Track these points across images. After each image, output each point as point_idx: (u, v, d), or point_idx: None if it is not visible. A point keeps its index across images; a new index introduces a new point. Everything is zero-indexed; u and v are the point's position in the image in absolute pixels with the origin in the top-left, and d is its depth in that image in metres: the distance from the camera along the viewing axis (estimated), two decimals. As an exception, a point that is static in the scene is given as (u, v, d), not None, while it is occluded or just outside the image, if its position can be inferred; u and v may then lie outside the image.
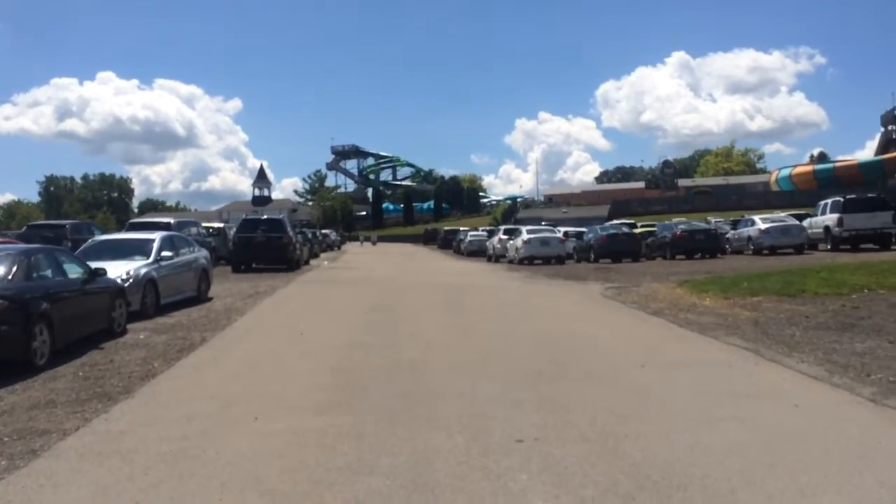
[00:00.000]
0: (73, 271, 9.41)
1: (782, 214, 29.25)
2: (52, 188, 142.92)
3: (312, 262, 32.52)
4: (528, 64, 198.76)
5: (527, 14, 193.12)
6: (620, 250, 27.49)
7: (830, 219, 25.01)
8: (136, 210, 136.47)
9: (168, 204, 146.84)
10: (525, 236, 27.97)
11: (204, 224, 27.56)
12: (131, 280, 11.77)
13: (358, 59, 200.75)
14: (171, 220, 22.87)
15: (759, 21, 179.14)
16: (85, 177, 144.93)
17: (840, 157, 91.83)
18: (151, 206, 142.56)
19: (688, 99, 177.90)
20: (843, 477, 4.01)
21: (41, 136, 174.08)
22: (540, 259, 27.68)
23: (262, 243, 23.00)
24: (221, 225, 28.80)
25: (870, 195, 26.78)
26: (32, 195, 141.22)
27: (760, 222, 26.62)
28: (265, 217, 25.07)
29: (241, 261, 23.15)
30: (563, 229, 32.54)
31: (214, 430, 5.30)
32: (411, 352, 8.44)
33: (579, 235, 31.31)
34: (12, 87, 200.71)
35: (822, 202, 26.51)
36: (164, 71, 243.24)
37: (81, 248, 13.38)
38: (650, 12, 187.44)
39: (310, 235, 39.91)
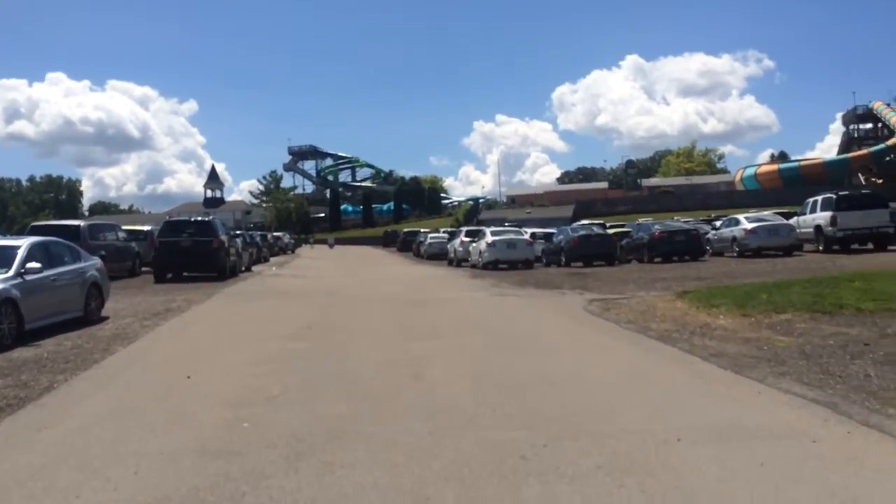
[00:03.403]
0: None
1: (768, 213, 27.20)
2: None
3: (257, 267, 29.59)
4: (485, 66, 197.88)
5: (483, 16, 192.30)
6: (594, 253, 25.14)
7: (822, 217, 22.94)
8: (86, 213, 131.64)
9: (122, 207, 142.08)
10: (489, 238, 25.38)
11: (127, 227, 24.48)
12: (-25, 301, 8.90)
13: (314, 60, 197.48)
14: (81, 223, 19.81)
15: (708, 25, 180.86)
16: (31, 178, 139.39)
17: (797, 157, 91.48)
18: (103, 208, 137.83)
19: (642, 102, 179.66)
20: None
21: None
22: (505, 263, 25.17)
23: (188, 248, 19.98)
24: (148, 228, 25.65)
25: (864, 192, 24.88)
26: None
27: (746, 222, 24.48)
28: (192, 219, 22.07)
29: (164, 269, 20.11)
30: (529, 230, 30.05)
31: None
32: (332, 409, 5.78)
33: (548, 237, 28.91)
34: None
35: (811, 199, 24.44)
36: (116, 72, 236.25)
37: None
38: (604, 15, 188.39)
39: (257, 238, 36.98)
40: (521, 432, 4.99)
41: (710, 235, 26.89)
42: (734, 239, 24.63)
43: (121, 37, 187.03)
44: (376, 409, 5.79)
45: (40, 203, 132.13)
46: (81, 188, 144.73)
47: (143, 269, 22.84)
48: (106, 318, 12.04)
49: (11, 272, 9.87)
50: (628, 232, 28.85)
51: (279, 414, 5.70)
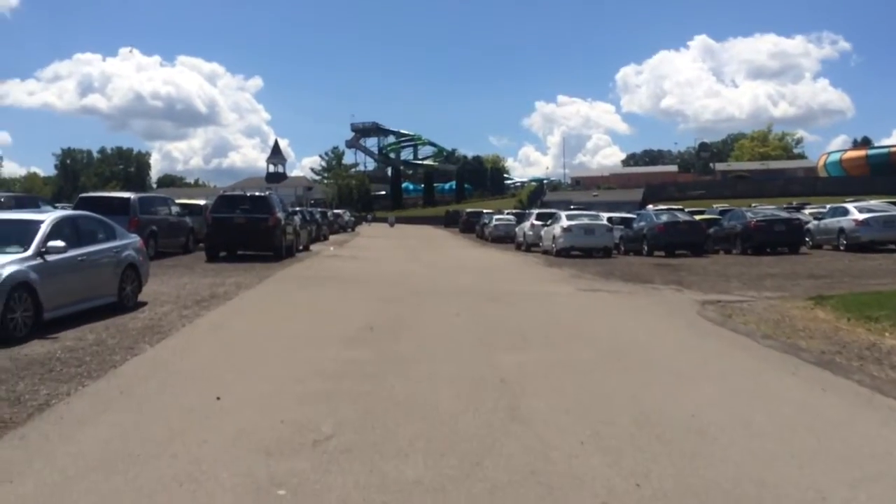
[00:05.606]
0: None
1: (875, 202, 24.41)
2: (68, 161, 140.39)
3: (315, 246, 28.24)
4: (547, 45, 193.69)
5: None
6: (679, 241, 22.87)
7: (949, 208, 20.20)
8: (154, 185, 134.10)
9: (188, 180, 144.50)
10: (565, 223, 23.29)
11: (181, 200, 23.33)
12: (-18, 285, 7.51)
13: (379, 38, 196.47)
14: (131, 196, 18.58)
15: (781, 5, 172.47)
16: (102, 150, 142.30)
17: (881, 144, 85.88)
18: (170, 181, 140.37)
19: (709, 84, 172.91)
20: None
21: (64, 112, 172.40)
22: (580, 251, 23.11)
23: (242, 226, 18.55)
24: (203, 202, 24.44)
25: None
26: (52, 169, 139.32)
27: (856, 211, 21.81)
28: (248, 194, 20.68)
29: (217, 247, 18.77)
30: (605, 215, 27.84)
31: None
32: (403, 468, 4.10)
33: (625, 222, 26.66)
34: (35, 62, 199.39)
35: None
36: (185, 48, 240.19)
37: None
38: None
39: (317, 216, 35.70)
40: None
41: (810, 226, 24.26)
42: (841, 230, 22.02)
43: (191, 13, 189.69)
44: (467, 472, 4.05)
45: (110, 175, 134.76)
46: (150, 161, 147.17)
47: (200, 244, 21.68)
48: (143, 303, 10.64)
49: (30, 251, 8.47)
50: (716, 219, 26.41)
51: (330, 473, 4.02)
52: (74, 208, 16.48)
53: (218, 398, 5.54)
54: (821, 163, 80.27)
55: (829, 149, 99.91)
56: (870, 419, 5.03)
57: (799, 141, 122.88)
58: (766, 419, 5.05)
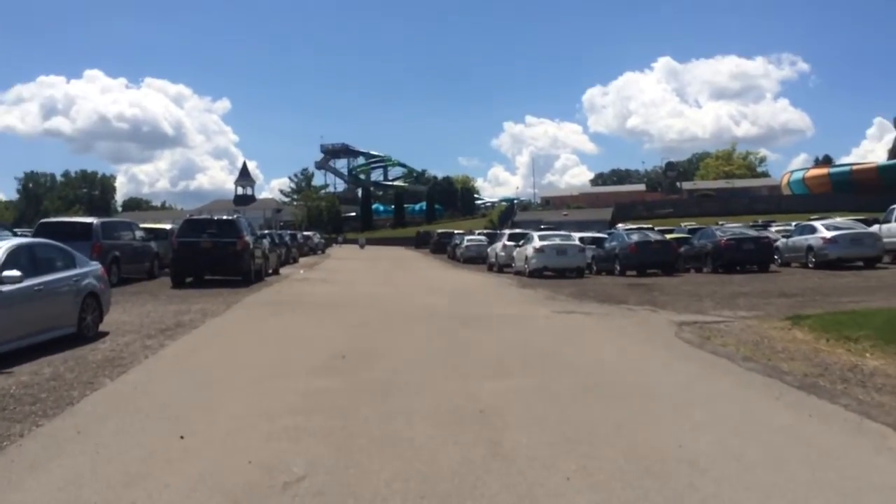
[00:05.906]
0: None
1: (841, 219, 24.74)
2: (30, 185, 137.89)
3: (285, 269, 27.79)
4: (515, 67, 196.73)
5: (514, 17, 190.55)
6: (652, 261, 22.90)
7: (914, 225, 20.48)
8: (119, 209, 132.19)
9: (154, 203, 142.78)
10: (537, 243, 23.20)
11: (146, 224, 22.81)
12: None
13: (348, 60, 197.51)
14: (94, 221, 18.06)
15: (741, 27, 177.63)
16: (66, 174, 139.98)
17: (840, 163, 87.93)
18: (136, 204, 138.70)
19: (673, 104, 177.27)
20: None
21: (27, 135, 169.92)
22: (553, 271, 23.04)
23: (209, 250, 18.12)
24: (169, 226, 23.90)
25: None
26: (14, 193, 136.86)
27: (824, 229, 22.04)
28: (215, 218, 20.24)
29: (183, 272, 18.31)
30: (577, 235, 27.85)
31: None
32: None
33: (597, 242, 26.68)
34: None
35: None
36: (152, 70, 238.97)
37: None
38: (636, 17, 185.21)
39: (286, 238, 35.24)
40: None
41: (778, 243, 24.46)
42: (809, 248, 22.20)
43: (157, 35, 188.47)
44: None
45: (74, 198, 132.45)
46: (115, 184, 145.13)
47: (165, 269, 21.17)
48: (105, 333, 10.23)
49: (-19, 282, 8.07)
50: (685, 238, 26.56)
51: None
52: (34, 234, 16.02)
53: (181, 437, 5.22)
54: (784, 181, 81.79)
55: (790, 167, 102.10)
56: (862, 447, 4.87)
57: (762, 160, 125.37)
58: (755, 449, 4.86)
